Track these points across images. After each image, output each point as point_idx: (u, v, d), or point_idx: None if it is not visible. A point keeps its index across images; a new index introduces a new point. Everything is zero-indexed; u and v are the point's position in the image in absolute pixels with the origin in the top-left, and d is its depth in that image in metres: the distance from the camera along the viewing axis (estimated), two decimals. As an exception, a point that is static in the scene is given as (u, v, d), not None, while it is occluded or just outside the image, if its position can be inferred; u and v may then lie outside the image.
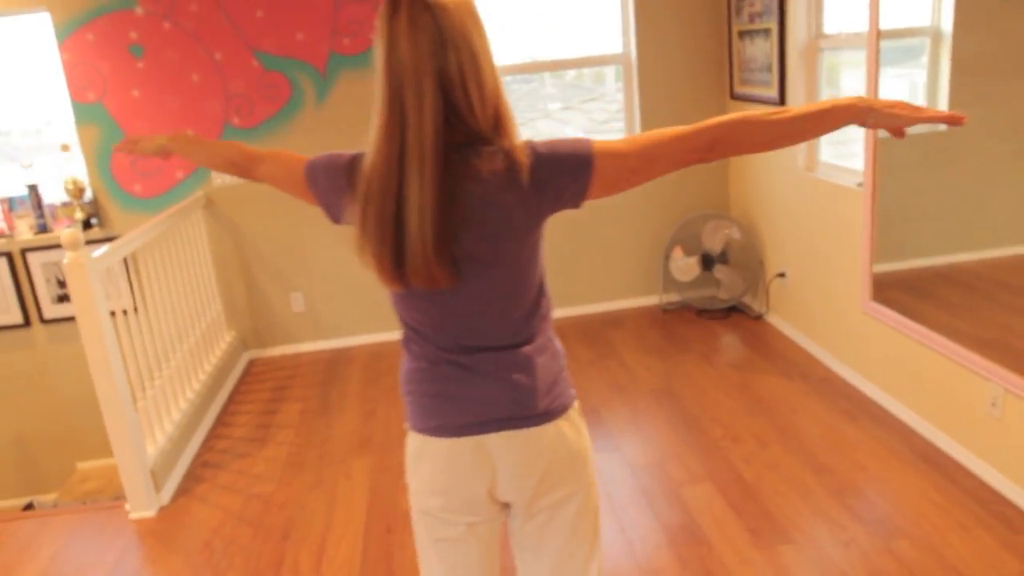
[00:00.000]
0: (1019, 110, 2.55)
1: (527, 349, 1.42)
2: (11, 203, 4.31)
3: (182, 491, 3.24)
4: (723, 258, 4.46)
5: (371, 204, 1.28)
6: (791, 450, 3.06)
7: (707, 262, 4.44)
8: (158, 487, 3.15)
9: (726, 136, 1.33)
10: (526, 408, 1.42)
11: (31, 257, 4.30)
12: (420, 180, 1.24)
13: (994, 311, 2.80)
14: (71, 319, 4.26)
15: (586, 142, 1.32)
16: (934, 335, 2.93)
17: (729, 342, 4.17)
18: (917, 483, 2.75)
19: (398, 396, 3.93)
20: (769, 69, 3.93)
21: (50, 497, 4.39)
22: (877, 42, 3.04)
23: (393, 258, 1.29)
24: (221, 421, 3.84)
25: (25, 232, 4.30)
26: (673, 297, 4.77)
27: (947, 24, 2.83)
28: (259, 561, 2.71)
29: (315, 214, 4.77)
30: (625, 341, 4.31)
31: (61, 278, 4.27)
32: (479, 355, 1.41)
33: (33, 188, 4.22)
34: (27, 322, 4.41)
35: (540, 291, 1.44)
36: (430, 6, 1.22)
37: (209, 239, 4.38)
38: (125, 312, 3.46)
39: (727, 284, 4.47)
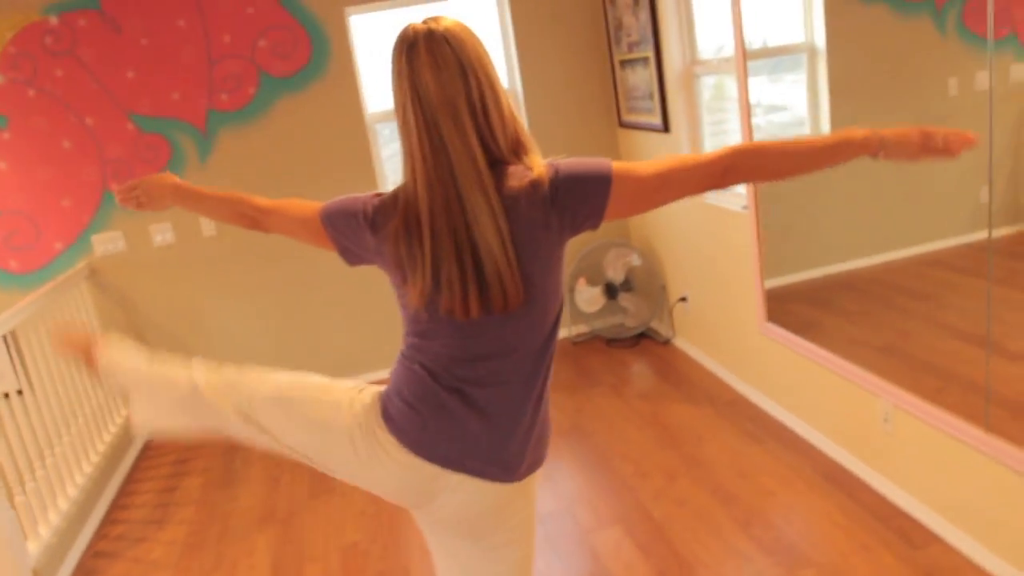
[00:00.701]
0: (893, 122, 2.59)
1: (535, 397, 1.45)
2: None
3: (72, 587, 3.02)
4: (627, 286, 4.44)
5: (437, 233, 1.28)
6: (698, 480, 3.02)
7: (611, 291, 4.42)
8: (42, 588, 2.93)
9: (740, 164, 1.35)
10: (510, 469, 1.44)
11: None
12: (486, 199, 1.26)
13: (891, 316, 2.83)
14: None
15: (606, 162, 1.33)
16: (826, 353, 2.94)
17: (638, 371, 4.14)
18: (821, 505, 2.74)
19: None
20: (651, 96, 3.95)
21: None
22: (744, 64, 3.07)
23: (476, 282, 1.29)
24: (117, 504, 3.61)
25: None
26: (582, 328, 4.73)
27: (820, 41, 2.87)
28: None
29: (204, 276, 4.57)
30: (537, 378, 4.24)
31: (-65, 366, 3.98)
32: (491, 391, 1.39)
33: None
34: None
35: (555, 326, 1.45)
36: (446, 39, 1.27)
37: (96, 311, 4.15)
38: (7, 395, 3.23)
39: (633, 311, 4.45)
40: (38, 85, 3.91)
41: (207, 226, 4.18)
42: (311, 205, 1.48)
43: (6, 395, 3.40)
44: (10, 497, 2.97)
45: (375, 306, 4.44)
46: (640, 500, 2.96)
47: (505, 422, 1.41)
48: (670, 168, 1.34)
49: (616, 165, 1.32)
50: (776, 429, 3.30)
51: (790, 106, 3.21)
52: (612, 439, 3.45)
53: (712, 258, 3.72)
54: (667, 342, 4.40)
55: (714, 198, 3.64)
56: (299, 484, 3.51)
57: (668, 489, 3.00)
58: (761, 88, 3.14)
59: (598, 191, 1.30)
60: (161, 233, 4.14)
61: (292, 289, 4.37)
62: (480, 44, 1.31)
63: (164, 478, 3.81)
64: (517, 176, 1.30)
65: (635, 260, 4.37)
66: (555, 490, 3.12)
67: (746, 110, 3.13)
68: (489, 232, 1.26)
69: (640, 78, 4.03)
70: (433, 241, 1.28)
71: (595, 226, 1.35)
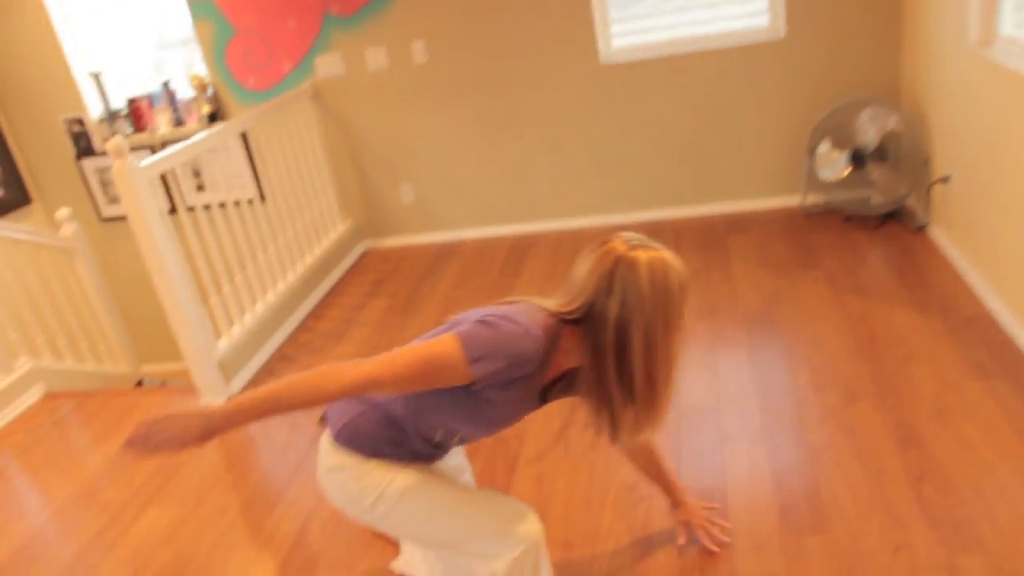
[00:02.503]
0: None
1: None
2: (152, 99, 4.50)
3: (254, 382, 3.30)
4: (880, 154, 3.55)
5: None
6: (884, 409, 2.39)
7: (859, 158, 3.57)
8: (227, 378, 3.23)
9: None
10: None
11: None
12: None
13: None
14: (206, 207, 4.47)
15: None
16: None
17: (870, 259, 3.36)
18: (1038, 478, 2.03)
19: (484, 295, 3.70)
20: None
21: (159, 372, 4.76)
22: None
23: None
24: (314, 314, 3.85)
25: (164, 127, 4.49)
26: (820, 199, 3.94)
27: None
28: (285, 449, 2.68)
29: (422, 106, 4.50)
30: (744, 250, 3.65)
31: (196, 168, 4.44)
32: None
33: (166, 85, 4.35)
34: (173, 210, 4.69)
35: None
36: None
37: (319, 130, 4.29)
38: (238, 203, 3.49)
39: (882, 186, 3.58)
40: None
41: (418, 53, 4.02)
42: (456, 367, 1.45)
43: (235, 203, 3.69)
44: (205, 299, 3.27)
45: (583, 153, 4.07)
46: (802, 417, 2.43)
47: None
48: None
49: None
50: (1016, 367, 2.49)
51: None
52: (801, 336, 2.87)
53: (997, 134, 2.75)
54: (920, 228, 3.50)
55: (1006, 52, 2.64)
56: (467, 324, 3.44)
57: (842, 411, 2.43)
58: None
59: None
60: (375, 57, 4.07)
61: (501, 125, 4.12)
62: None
63: (359, 295, 3.98)
64: None
65: (895, 124, 3.44)
66: (712, 383, 2.69)
67: None
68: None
69: None
70: None
71: None
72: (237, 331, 3.37)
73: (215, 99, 4.31)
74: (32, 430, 3.21)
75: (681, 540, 2.03)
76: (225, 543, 2.35)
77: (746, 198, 4.06)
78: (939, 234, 3.36)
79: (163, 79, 4.39)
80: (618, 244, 1.51)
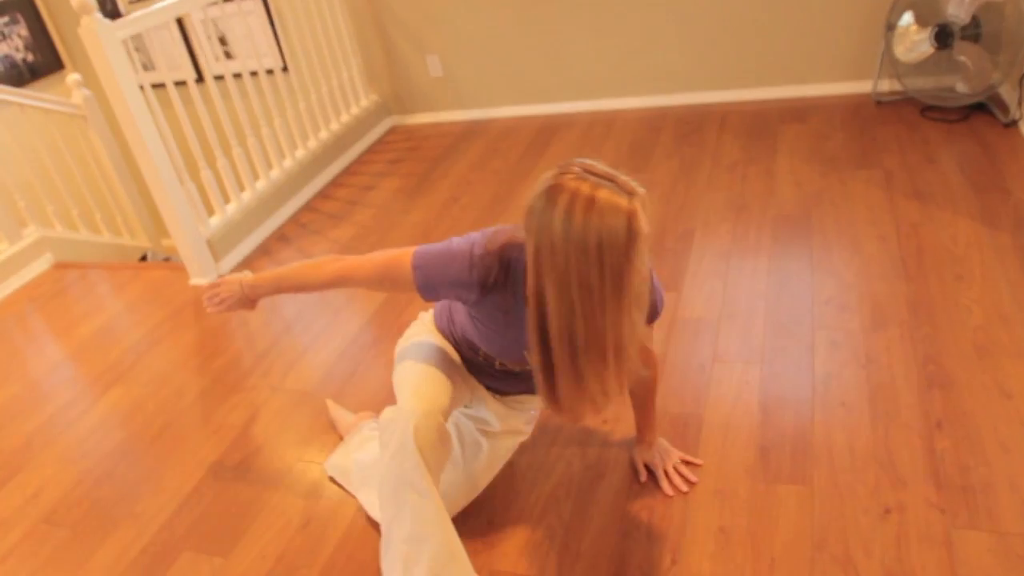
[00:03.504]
0: None
1: None
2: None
3: (246, 263, 3.12)
4: (971, 32, 2.91)
5: None
6: (913, 340, 1.96)
7: (945, 36, 2.93)
8: (216, 256, 3.06)
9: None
10: None
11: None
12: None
13: None
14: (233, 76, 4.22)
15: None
16: None
17: (943, 158, 2.81)
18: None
19: (497, 180, 3.36)
20: None
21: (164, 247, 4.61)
22: None
23: None
24: (323, 193, 3.59)
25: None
26: (895, 86, 3.32)
27: None
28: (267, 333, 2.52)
29: None
30: (794, 142, 3.14)
31: (221, 35, 4.16)
32: None
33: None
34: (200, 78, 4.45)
35: None
36: None
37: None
38: (255, 73, 3.21)
39: (972, 71, 2.95)
40: None
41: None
42: (401, 268, 1.40)
43: (253, 73, 3.41)
44: (194, 174, 3.06)
45: (627, 25, 3.55)
46: (813, 340, 2.03)
47: None
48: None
49: None
50: (1097, 295, 2.00)
51: None
52: (835, 245, 2.42)
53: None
54: (1010, 125, 2.89)
55: None
56: (471, 207, 3.13)
57: (862, 337, 2.01)
58: None
59: None
60: (397, -93, 3.61)
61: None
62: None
63: (373, 174, 3.69)
64: None
65: (996, -9, 2.79)
66: (716, 291, 2.30)
67: None
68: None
69: None
70: None
71: None
72: (233, 209, 3.17)
73: (233, -44, 3.97)
74: (35, 298, 3.16)
75: (642, 478, 1.75)
76: (172, 431, 2.22)
77: (809, 82, 3.47)
78: (1033, 131, 2.77)
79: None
80: (565, 170, 1.16)
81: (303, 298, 2.75)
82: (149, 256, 3.76)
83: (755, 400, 1.89)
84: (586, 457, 1.83)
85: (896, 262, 2.29)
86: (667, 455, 1.75)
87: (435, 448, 1.40)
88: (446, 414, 1.45)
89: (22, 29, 4.39)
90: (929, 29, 2.96)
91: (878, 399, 1.82)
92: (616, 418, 1.91)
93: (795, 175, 2.89)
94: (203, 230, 3.01)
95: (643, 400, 1.70)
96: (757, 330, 2.13)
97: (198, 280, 3.01)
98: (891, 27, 3.10)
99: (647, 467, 1.76)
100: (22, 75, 4.42)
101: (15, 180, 3.45)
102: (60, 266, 3.41)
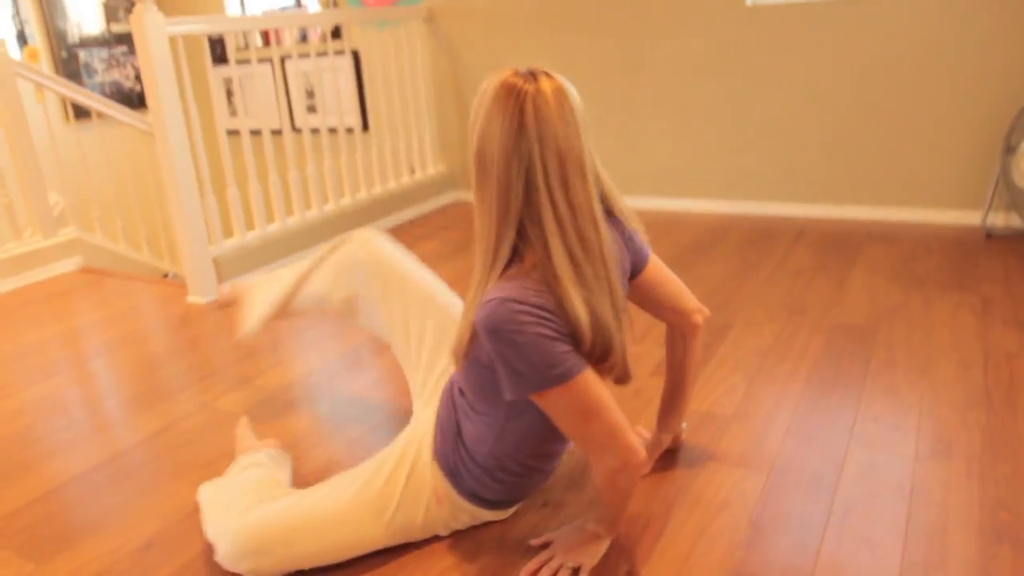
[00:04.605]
0: None
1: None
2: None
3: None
4: (1111, 157, 2.41)
5: (600, 308, 1.12)
6: (984, 479, 1.41)
7: (1076, 160, 2.45)
8: (221, 276, 2.84)
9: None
10: None
11: (288, 65, 4.28)
12: (618, 263, 1.20)
13: None
14: (315, 131, 4.19)
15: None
16: None
17: (1060, 295, 2.25)
18: None
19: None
20: None
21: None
22: None
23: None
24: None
25: (288, 41, 4.29)
26: (1012, 221, 2.80)
27: None
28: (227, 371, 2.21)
29: (535, 41, 3.93)
30: (877, 259, 2.63)
31: (310, 88, 4.19)
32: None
33: (297, 1, 4.14)
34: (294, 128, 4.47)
35: None
36: (566, 92, 1.08)
37: (427, 56, 3.84)
38: (334, 130, 3.10)
39: (1108, 204, 2.42)
40: None
41: (538, -21, 3.45)
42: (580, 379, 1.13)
43: (349, 130, 3.35)
44: (220, 190, 2.91)
45: (705, 121, 3.26)
46: (842, 458, 1.52)
47: None
48: (676, 281, 1.43)
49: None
50: None
51: None
52: (903, 363, 1.88)
53: None
54: None
55: None
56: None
57: (916, 463, 1.48)
58: None
59: (642, 257, 1.34)
60: (491, -20, 3.56)
61: (618, 74, 3.41)
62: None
63: (416, 236, 3.45)
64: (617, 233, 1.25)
65: None
66: (737, 391, 1.83)
67: None
68: (620, 292, 1.16)
69: None
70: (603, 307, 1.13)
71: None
72: (253, 236, 2.99)
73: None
74: (42, 293, 3.03)
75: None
76: (71, 431, 1.91)
77: (906, 205, 3.00)
78: None
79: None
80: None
81: (301, 325, 2.46)
82: (171, 276, 3.62)
83: (747, 514, 1.38)
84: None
85: (977, 391, 1.75)
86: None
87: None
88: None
89: (136, 60, 4.61)
90: (1055, 152, 2.48)
91: (918, 542, 1.27)
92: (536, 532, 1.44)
93: (870, 289, 2.40)
94: (212, 248, 2.82)
95: (690, 356, 1.46)
96: (775, 436, 1.63)
97: (196, 298, 2.80)
98: (1010, 150, 2.64)
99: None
100: (131, 102, 4.60)
101: (74, 184, 3.45)
102: (86, 270, 3.30)
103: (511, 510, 1.41)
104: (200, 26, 2.71)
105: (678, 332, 1.44)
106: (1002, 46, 2.69)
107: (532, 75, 1.07)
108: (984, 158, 2.83)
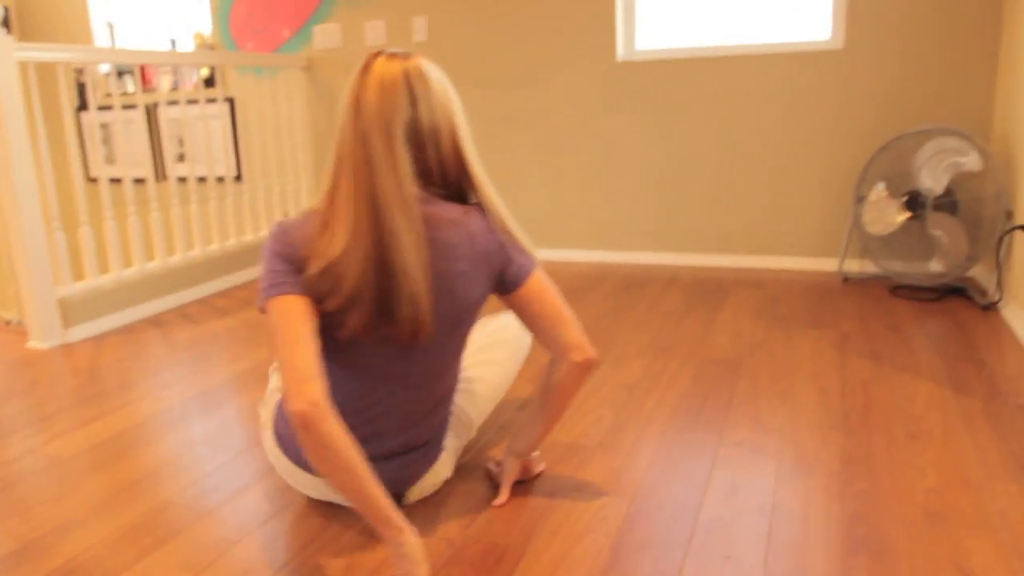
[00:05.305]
0: None
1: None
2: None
3: (102, 339, 2.63)
4: (946, 202, 2.57)
5: (354, 252, 1.15)
6: (843, 495, 1.39)
7: (917, 205, 2.60)
8: (68, 322, 2.59)
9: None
10: None
11: (161, 111, 4.10)
12: (409, 222, 1.16)
13: None
14: (187, 179, 3.98)
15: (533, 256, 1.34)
16: None
17: (907, 327, 2.33)
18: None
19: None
20: None
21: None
22: None
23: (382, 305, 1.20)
24: (226, 293, 3.18)
25: (164, 87, 4.13)
26: (867, 266, 2.94)
27: None
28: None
29: None
30: (744, 301, 2.68)
31: (181, 136, 4.02)
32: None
33: (173, 44, 4.00)
34: (159, 177, 4.25)
35: (454, 382, 1.39)
36: (407, 69, 1.19)
37: (305, 101, 3.76)
38: (202, 179, 2.95)
39: (946, 244, 2.57)
40: None
41: (419, 30, 3.46)
42: (289, 304, 1.16)
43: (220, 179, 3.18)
44: (70, 228, 2.69)
45: (579, 174, 3.31)
46: (706, 478, 1.47)
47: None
48: (552, 313, 1.32)
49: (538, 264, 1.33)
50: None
51: None
52: (765, 391, 1.89)
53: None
54: (989, 307, 2.46)
55: None
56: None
57: (774, 483, 1.45)
58: None
59: (521, 269, 1.30)
60: (373, 31, 3.54)
61: (493, 127, 3.44)
62: (447, 83, 1.25)
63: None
64: (450, 214, 1.23)
65: (970, 162, 2.48)
66: (603, 420, 1.77)
67: None
68: (410, 255, 1.16)
69: None
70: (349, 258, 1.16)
71: (503, 293, 1.32)
72: (108, 279, 2.76)
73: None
74: None
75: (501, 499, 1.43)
76: None
77: (772, 253, 3.11)
78: (1015, 314, 2.31)
79: (170, 36, 4.05)
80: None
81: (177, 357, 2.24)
82: (14, 323, 3.29)
83: (608, 541, 1.30)
84: None
85: (835, 414, 1.75)
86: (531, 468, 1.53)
87: None
88: None
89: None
90: (900, 199, 2.63)
91: (779, 557, 1.22)
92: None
93: (736, 326, 2.43)
94: (60, 288, 2.57)
95: (556, 389, 1.35)
96: (640, 463, 1.57)
97: (37, 343, 2.53)
98: (860, 199, 2.78)
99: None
100: None
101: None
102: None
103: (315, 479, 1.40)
104: (54, 54, 2.53)
105: (556, 363, 1.35)
106: (852, 107, 2.88)
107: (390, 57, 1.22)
108: (839, 209, 2.98)
